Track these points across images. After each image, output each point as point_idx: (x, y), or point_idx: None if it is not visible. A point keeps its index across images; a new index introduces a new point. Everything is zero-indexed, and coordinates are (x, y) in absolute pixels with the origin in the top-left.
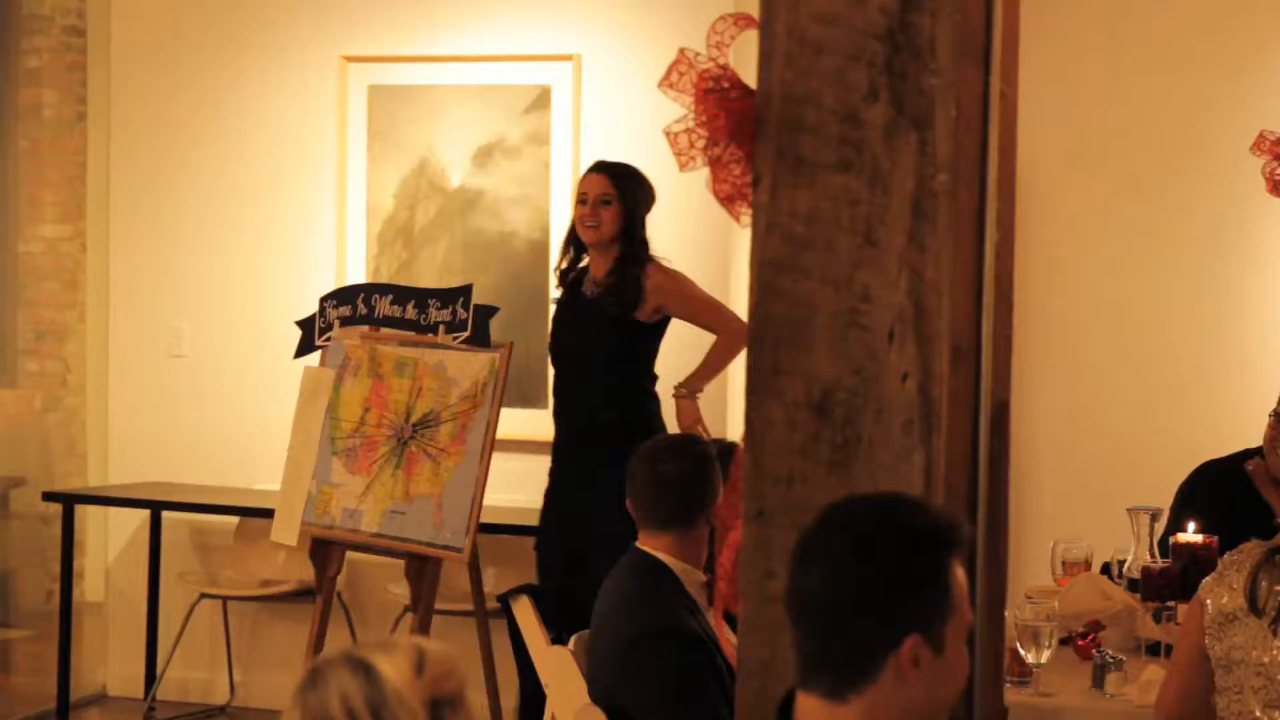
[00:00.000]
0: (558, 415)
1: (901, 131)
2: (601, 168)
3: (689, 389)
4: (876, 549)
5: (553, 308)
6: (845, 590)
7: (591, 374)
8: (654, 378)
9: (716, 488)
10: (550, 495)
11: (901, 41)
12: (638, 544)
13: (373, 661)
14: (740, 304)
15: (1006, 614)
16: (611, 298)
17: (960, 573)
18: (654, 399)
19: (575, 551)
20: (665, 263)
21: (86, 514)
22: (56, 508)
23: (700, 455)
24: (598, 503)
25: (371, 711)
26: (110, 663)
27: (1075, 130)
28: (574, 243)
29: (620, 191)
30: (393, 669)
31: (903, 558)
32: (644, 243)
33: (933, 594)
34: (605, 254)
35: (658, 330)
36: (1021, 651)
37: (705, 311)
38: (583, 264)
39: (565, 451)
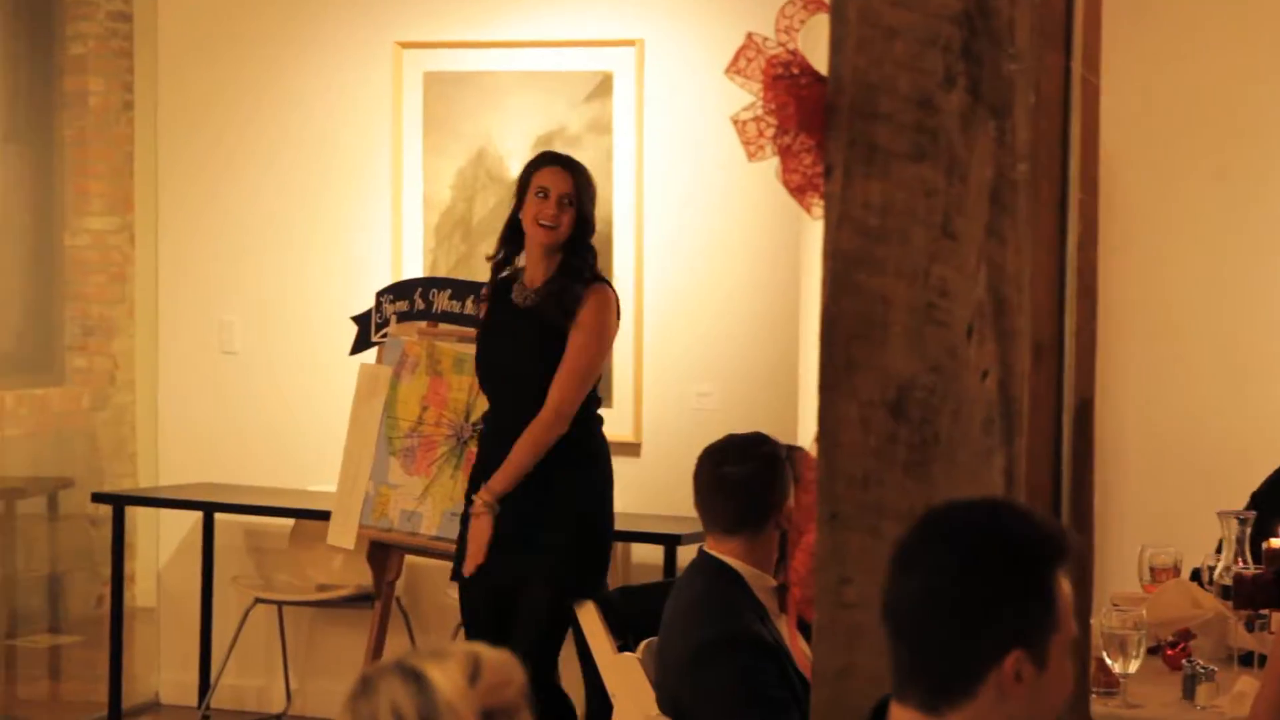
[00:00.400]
0: (486, 438)
1: (979, 119)
2: (566, 163)
3: (492, 496)
4: (980, 560)
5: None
6: (946, 602)
7: (533, 395)
8: (598, 399)
9: (785, 489)
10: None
11: (979, 25)
12: (705, 548)
13: (424, 670)
14: (812, 299)
15: (1092, 622)
16: (554, 307)
17: (1066, 585)
18: (599, 421)
19: (503, 588)
20: (611, 292)
21: (137, 516)
22: (106, 510)
23: (768, 456)
24: (544, 541)
25: None
26: (163, 669)
27: (1160, 118)
28: (513, 241)
29: (579, 193)
30: (445, 678)
31: (1007, 569)
32: (594, 254)
33: (1038, 607)
34: (548, 260)
35: None
36: (1108, 661)
37: (562, 369)
38: (507, 271)
39: None
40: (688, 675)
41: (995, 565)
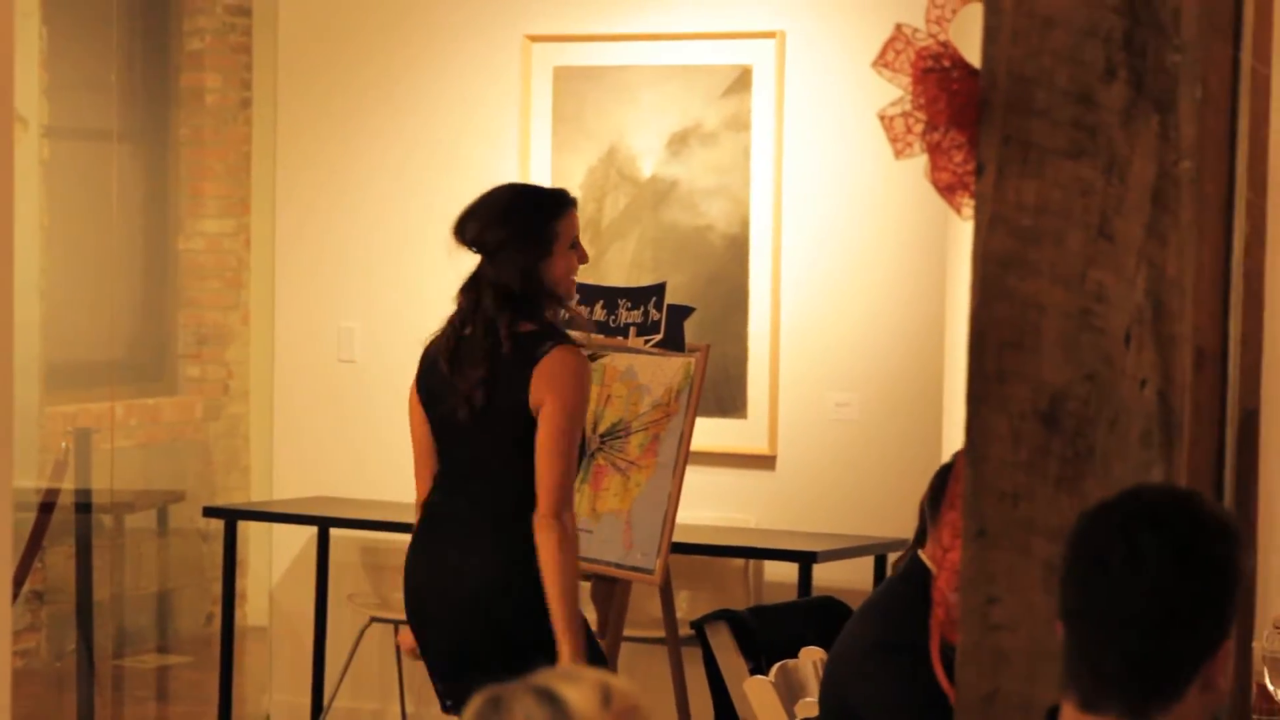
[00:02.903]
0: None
1: (1141, 114)
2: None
3: None
4: (1201, 551)
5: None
6: (1171, 600)
7: None
8: None
9: None
10: None
11: (1142, 14)
12: (920, 551)
13: (558, 690)
14: (959, 305)
15: (1254, 646)
16: None
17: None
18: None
19: None
20: None
21: (249, 531)
22: (218, 524)
23: None
24: None
25: None
26: (274, 691)
27: None
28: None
29: None
30: (579, 699)
31: (1226, 552)
32: None
33: (1238, 593)
34: None
35: None
36: (1269, 686)
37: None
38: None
39: None
40: (857, 673)
41: (1215, 555)
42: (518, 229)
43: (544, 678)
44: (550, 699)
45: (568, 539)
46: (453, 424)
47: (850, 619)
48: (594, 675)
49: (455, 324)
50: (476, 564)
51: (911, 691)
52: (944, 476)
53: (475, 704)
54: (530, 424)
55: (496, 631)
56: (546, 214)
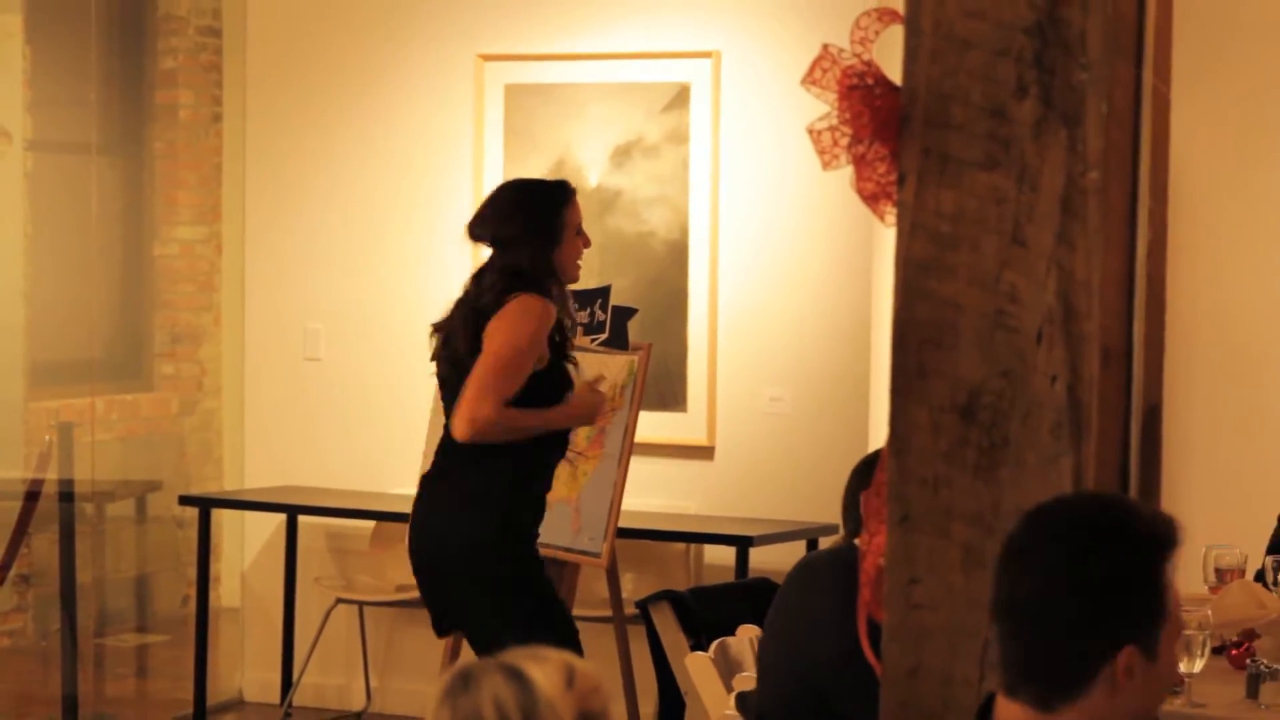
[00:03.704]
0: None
1: (1051, 128)
2: None
3: None
4: (1095, 554)
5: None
6: (1064, 598)
7: None
8: None
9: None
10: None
11: (1051, 36)
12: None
13: (525, 669)
14: (884, 306)
15: None
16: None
17: (1172, 575)
18: None
19: None
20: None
21: (222, 518)
22: (193, 512)
23: None
24: None
25: (524, 717)
26: (246, 668)
27: (1229, 128)
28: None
29: None
30: (545, 678)
31: (1123, 563)
32: None
33: (1150, 600)
34: None
35: None
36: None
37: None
38: None
39: None
40: (840, 676)
41: (1110, 558)
42: (530, 221)
43: (512, 657)
44: (517, 677)
45: (488, 425)
46: (443, 384)
47: (796, 611)
48: (559, 656)
49: (459, 304)
50: (425, 510)
51: None
52: (865, 468)
53: (445, 680)
54: None
55: (443, 570)
56: (554, 204)
